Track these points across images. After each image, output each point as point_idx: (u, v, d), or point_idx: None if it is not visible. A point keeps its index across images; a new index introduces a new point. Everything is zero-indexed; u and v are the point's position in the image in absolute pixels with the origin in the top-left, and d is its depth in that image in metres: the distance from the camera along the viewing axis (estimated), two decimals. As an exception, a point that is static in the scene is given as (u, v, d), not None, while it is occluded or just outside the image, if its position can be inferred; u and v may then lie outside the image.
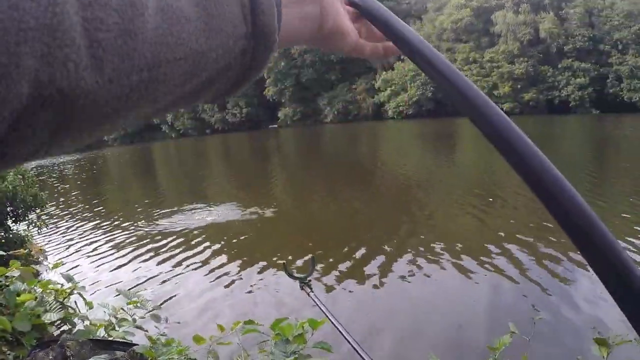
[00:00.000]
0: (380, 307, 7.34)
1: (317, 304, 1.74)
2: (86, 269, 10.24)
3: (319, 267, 8.51)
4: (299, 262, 9.07)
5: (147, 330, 2.51)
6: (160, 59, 0.37)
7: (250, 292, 8.24)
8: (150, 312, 2.66)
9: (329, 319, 1.59)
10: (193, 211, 14.96)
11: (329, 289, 7.93)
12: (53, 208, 18.63)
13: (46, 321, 2.29)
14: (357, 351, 1.49)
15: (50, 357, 1.81)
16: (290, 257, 9.42)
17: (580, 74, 53.30)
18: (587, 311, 6.44)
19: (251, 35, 0.46)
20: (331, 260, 9.15)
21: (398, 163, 23.50)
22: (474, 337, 6.01)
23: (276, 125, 70.49)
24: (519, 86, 55.16)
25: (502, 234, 9.96)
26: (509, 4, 58.81)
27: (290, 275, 2.15)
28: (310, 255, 7.93)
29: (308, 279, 2.02)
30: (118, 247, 11.78)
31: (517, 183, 14.61)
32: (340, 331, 1.52)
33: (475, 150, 25.18)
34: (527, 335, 2.10)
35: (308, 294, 1.89)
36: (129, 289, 2.68)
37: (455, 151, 25.99)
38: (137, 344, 1.98)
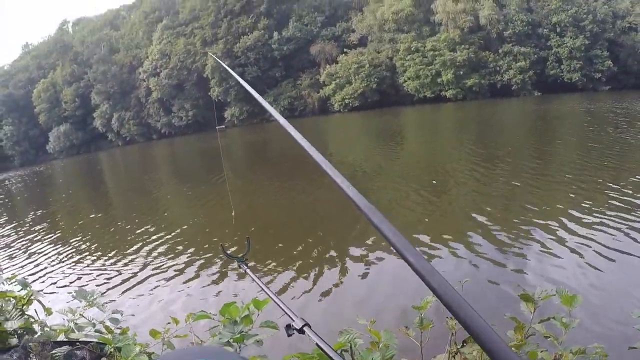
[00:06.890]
0: (316, 290, 7.66)
1: (253, 279, 1.93)
2: (40, 279, 10.28)
3: (261, 257, 9.17)
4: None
5: (107, 334, 2.62)
6: None
7: (200, 284, 8.67)
8: (110, 316, 2.75)
9: (264, 291, 1.75)
10: (140, 219, 15.03)
11: (267, 272, 8.54)
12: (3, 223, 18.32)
13: (8, 329, 2.36)
14: (291, 318, 1.52)
15: (14, 359, 1.93)
16: (228, 244, 10.27)
17: (521, 58, 55.14)
18: (513, 273, 7.14)
19: None
20: (272, 250, 9.70)
21: (343, 153, 24.17)
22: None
23: (224, 126, 69.59)
24: (461, 72, 56.48)
25: (441, 224, 10.34)
26: (448, -8, 59.79)
27: (228, 255, 2.37)
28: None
29: (245, 257, 2.24)
30: (71, 257, 11.76)
31: (460, 173, 15.14)
32: (274, 300, 1.66)
33: (417, 141, 26.84)
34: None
35: (245, 271, 2.09)
36: (83, 289, 2.74)
37: (398, 141, 27.13)
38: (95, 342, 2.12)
